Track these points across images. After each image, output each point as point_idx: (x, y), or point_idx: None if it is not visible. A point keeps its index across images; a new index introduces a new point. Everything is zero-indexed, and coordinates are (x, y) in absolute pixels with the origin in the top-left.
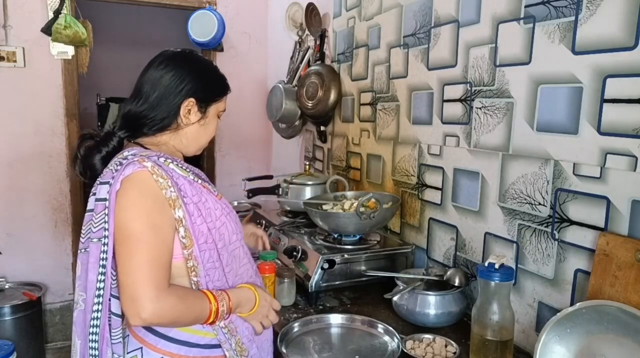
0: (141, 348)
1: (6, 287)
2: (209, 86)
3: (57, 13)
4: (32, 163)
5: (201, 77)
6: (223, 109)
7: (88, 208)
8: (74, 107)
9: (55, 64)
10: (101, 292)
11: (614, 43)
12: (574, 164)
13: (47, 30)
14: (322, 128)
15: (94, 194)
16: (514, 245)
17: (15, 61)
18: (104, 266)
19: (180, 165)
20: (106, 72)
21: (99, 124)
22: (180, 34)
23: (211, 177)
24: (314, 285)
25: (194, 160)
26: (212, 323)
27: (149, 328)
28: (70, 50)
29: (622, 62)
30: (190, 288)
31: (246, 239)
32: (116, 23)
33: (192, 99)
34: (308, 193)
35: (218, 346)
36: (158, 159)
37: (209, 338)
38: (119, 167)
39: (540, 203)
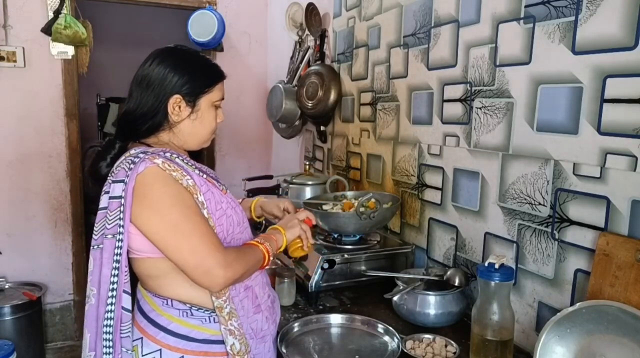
0: (141, 338)
1: (6, 287)
2: (195, 79)
3: (57, 13)
4: (32, 163)
5: (185, 71)
6: (219, 98)
7: (101, 206)
8: (74, 107)
9: (55, 64)
10: (115, 285)
11: (614, 43)
12: (574, 164)
13: (47, 30)
14: (322, 128)
15: (107, 193)
16: (514, 245)
17: (15, 61)
18: (117, 261)
19: (185, 161)
20: (106, 72)
21: (99, 124)
22: (180, 34)
23: None
24: (314, 285)
25: (196, 159)
26: (266, 265)
27: (150, 320)
28: (70, 50)
29: (622, 62)
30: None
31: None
32: (116, 23)
33: (177, 96)
34: (308, 193)
35: (218, 342)
36: (165, 154)
37: (209, 333)
38: (132, 166)
39: (540, 203)
